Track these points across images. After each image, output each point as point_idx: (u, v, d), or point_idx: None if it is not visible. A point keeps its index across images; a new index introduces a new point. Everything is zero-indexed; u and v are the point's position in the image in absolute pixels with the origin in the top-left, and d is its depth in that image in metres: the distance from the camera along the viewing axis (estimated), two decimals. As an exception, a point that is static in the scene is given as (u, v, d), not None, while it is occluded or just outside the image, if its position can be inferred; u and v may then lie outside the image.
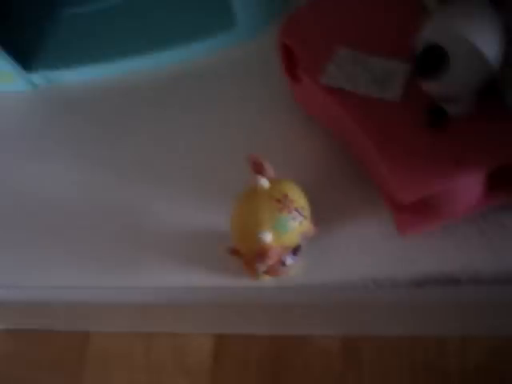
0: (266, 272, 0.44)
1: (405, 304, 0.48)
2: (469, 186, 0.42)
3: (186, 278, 0.50)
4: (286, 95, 0.54)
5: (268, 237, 0.41)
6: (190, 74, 0.61)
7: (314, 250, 0.46)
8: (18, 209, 0.57)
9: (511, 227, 0.45)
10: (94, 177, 0.57)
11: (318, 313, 0.55)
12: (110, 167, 0.57)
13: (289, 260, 0.44)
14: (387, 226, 0.46)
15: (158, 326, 0.67)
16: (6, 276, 0.54)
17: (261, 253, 0.41)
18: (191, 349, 0.69)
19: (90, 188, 0.57)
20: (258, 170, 0.42)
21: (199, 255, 0.49)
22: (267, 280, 0.46)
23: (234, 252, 0.45)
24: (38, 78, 0.66)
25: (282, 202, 0.41)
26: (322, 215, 0.46)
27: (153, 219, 0.53)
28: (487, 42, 0.37)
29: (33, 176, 0.60)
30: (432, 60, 0.37)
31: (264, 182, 0.42)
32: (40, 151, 0.62)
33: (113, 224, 0.54)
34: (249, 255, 0.43)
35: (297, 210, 0.42)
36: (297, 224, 0.42)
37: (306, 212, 0.43)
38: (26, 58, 0.66)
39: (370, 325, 0.59)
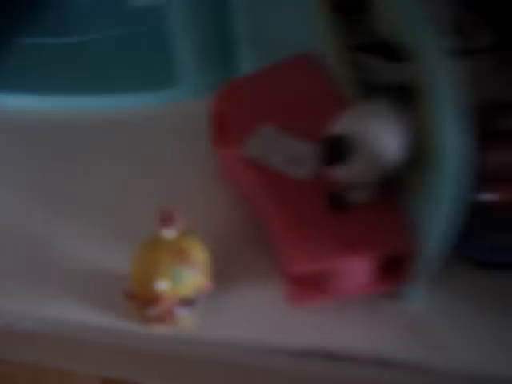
0: (158, 319, 0.46)
1: (283, 374, 0.51)
2: (356, 269, 0.45)
3: (79, 313, 0.50)
4: (209, 157, 0.57)
5: (162, 285, 0.43)
6: (126, 121, 0.63)
7: (208, 307, 0.48)
8: None
9: (392, 315, 0.48)
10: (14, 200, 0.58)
11: (203, 370, 0.57)
12: (30, 193, 0.58)
13: (180, 311, 0.45)
14: (281, 295, 0.48)
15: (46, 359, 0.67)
16: None
17: (153, 299, 0.43)
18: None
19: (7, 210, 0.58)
20: (167, 221, 0.45)
21: (96, 293, 0.50)
22: (157, 328, 0.47)
23: (130, 296, 0.46)
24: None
25: (182, 254, 0.43)
26: (221, 274, 0.48)
27: (59, 251, 0.54)
28: (386, 141, 0.41)
29: None
30: (335, 150, 0.41)
31: (168, 233, 0.44)
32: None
33: (17, 250, 0.55)
34: (143, 300, 0.44)
35: (194, 264, 0.44)
36: (192, 277, 0.44)
37: (205, 268, 0.45)
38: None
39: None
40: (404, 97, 0.45)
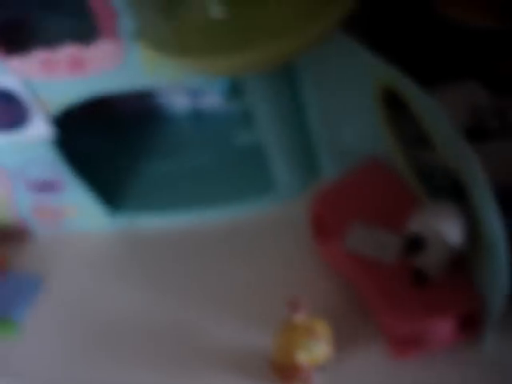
0: (297, 381, 0.61)
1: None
2: (441, 326, 0.60)
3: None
4: (312, 253, 0.73)
5: (301, 355, 0.59)
6: (237, 229, 0.80)
7: (331, 370, 0.63)
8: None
9: (475, 361, 0.62)
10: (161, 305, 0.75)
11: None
12: (182, 295, 0.75)
13: (316, 375, 0.61)
14: (386, 353, 0.63)
15: None
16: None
17: (295, 367, 0.59)
18: None
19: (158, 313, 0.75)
20: (294, 308, 0.61)
21: (248, 370, 0.66)
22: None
23: (275, 367, 0.62)
24: (120, 220, 0.86)
25: (311, 331, 0.59)
26: (339, 344, 0.63)
27: (209, 340, 0.70)
28: (452, 234, 0.57)
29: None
30: (414, 244, 0.57)
31: (299, 317, 0.60)
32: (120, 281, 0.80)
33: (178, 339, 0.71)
34: (287, 370, 0.60)
35: (321, 337, 0.59)
36: (321, 348, 0.60)
37: (328, 340, 0.61)
38: (111, 199, 0.85)
39: None
40: (458, 188, 0.61)
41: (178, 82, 0.70)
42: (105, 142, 0.94)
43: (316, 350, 0.60)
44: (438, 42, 0.79)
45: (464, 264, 0.61)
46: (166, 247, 0.82)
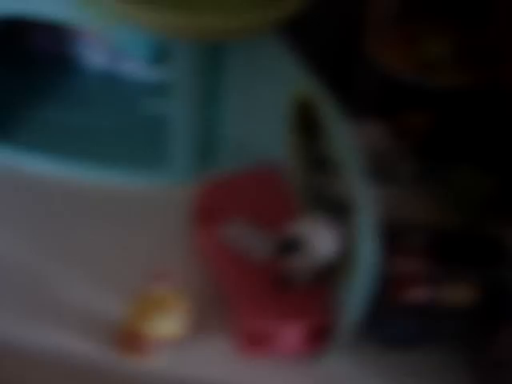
0: (141, 352, 0.60)
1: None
2: (290, 333, 0.61)
3: (72, 344, 0.64)
4: (188, 236, 0.73)
5: (147, 325, 0.58)
6: (120, 196, 0.78)
7: (179, 347, 0.62)
8: None
9: (313, 373, 0.64)
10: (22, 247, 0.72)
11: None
12: (39, 244, 0.73)
13: (159, 348, 0.60)
14: (234, 345, 0.63)
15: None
16: None
17: (140, 336, 0.58)
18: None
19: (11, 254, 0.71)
20: (157, 279, 0.60)
21: (89, 330, 0.64)
22: (139, 360, 0.61)
23: (123, 334, 0.61)
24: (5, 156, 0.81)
25: (165, 304, 0.59)
26: (192, 323, 0.63)
27: (60, 291, 0.68)
28: (325, 248, 0.59)
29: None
30: (288, 246, 0.58)
31: (158, 289, 0.60)
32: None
33: (23, 287, 0.69)
34: (133, 337, 0.59)
35: (175, 314, 0.59)
36: (171, 323, 0.59)
37: (182, 318, 0.61)
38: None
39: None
40: (341, 212, 0.63)
41: (104, 29, 0.68)
42: (11, 75, 0.89)
43: (166, 325, 0.59)
44: (360, 80, 0.83)
45: (328, 280, 0.63)
46: (45, 195, 0.79)
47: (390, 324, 0.64)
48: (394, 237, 0.66)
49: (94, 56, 0.94)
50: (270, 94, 0.74)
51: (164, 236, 0.74)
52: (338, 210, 0.63)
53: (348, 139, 0.59)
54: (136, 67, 0.91)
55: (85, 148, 0.83)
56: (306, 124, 0.70)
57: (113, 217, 0.77)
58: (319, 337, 0.63)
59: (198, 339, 0.64)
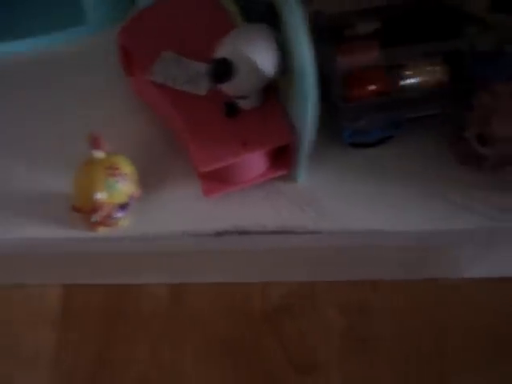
0: (100, 223, 0.57)
1: (210, 252, 0.63)
2: (253, 161, 0.57)
3: (35, 230, 0.60)
4: (123, 85, 0.66)
5: (99, 195, 0.53)
6: (47, 60, 0.70)
7: (140, 208, 0.59)
8: None
9: (287, 193, 0.61)
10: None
11: (145, 262, 0.69)
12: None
13: (117, 214, 0.56)
14: (197, 191, 0.60)
15: (6, 278, 0.77)
16: None
17: (95, 208, 0.54)
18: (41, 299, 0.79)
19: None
20: (96, 144, 0.55)
21: (50, 212, 0.60)
22: (101, 231, 0.58)
23: (76, 209, 0.57)
24: None
25: (112, 169, 0.54)
26: (147, 180, 0.59)
27: (7, 181, 0.63)
28: (262, 58, 0.52)
29: None
30: (221, 69, 0.51)
31: (99, 154, 0.54)
32: None
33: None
34: (87, 210, 0.55)
35: (123, 175, 0.54)
36: (123, 186, 0.55)
37: (133, 177, 0.56)
38: None
39: (192, 272, 0.74)
40: (274, 13, 0.56)
41: None
42: None
43: (118, 188, 0.55)
44: None
45: (276, 96, 0.58)
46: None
47: (353, 123, 0.59)
48: (339, 29, 0.60)
49: None
50: None
51: (101, 93, 0.67)
52: (268, 15, 0.55)
53: None
54: None
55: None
56: None
57: (43, 83, 0.69)
58: (282, 157, 0.58)
59: (161, 192, 0.60)
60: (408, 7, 0.61)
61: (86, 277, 0.77)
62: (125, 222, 0.59)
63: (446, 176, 0.61)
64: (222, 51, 0.52)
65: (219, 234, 0.59)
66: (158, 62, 0.59)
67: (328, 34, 0.58)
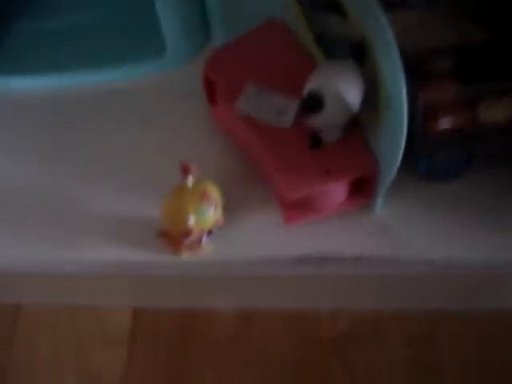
0: (187, 248, 0.59)
1: (282, 277, 0.65)
2: (335, 190, 0.59)
3: (119, 252, 0.63)
4: (206, 115, 0.69)
5: (192, 220, 0.56)
6: (127, 91, 0.74)
7: (221, 233, 0.61)
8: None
9: (365, 222, 0.63)
10: (41, 169, 0.70)
11: (218, 286, 0.70)
12: (55, 161, 0.70)
13: (205, 239, 0.59)
14: (278, 217, 0.62)
15: (82, 299, 0.79)
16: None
17: (186, 232, 0.56)
18: (112, 321, 0.81)
19: (38, 178, 0.69)
20: (186, 171, 0.57)
21: (134, 236, 0.63)
22: (185, 255, 0.61)
23: (163, 234, 0.59)
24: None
25: (202, 194, 0.56)
26: (230, 206, 0.61)
27: (95, 207, 0.66)
28: (350, 93, 0.54)
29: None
30: (313, 101, 0.54)
31: (189, 180, 0.57)
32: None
33: (56, 205, 0.67)
34: (176, 235, 0.57)
35: (213, 201, 0.57)
36: (213, 212, 0.57)
37: (219, 203, 0.58)
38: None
39: (262, 298, 0.75)
40: (359, 50, 0.58)
41: None
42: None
43: (207, 214, 0.57)
44: None
45: (358, 129, 0.60)
46: (45, 112, 0.75)
47: (431, 156, 0.61)
48: (418, 65, 0.62)
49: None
50: None
51: (181, 123, 0.70)
52: (354, 51, 0.58)
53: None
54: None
55: (75, 52, 0.77)
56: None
57: (125, 116, 0.73)
58: (363, 188, 0.60)
59: (238, 221, 0.63)
60: (485, 43, 0.63)
61: (157, 300, 0.79)
62: (208, 247, 0.61)
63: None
64: (312, 84, 0.55)
65: (300, 260, 0.61)
66: (243, 93, 0.62)
67: (408, 70, 0.61)
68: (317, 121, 0.57)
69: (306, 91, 0.55)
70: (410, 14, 0.68)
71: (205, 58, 0.67)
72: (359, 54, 0.57)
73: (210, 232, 0.59)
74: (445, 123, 0.60)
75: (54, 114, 0.75)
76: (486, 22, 0.66)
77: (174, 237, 0.58)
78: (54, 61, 0.77)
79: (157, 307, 0.80)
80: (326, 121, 0.56)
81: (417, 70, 0.62)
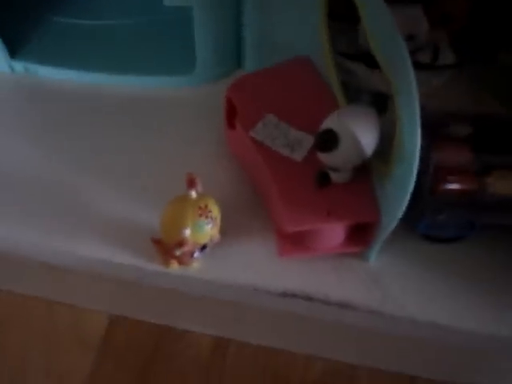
0: (177, 260, 0.59)
1: (271, 313, 0.64)
2: (334, 231, 0.59)
3: (111, 253, 0.63)
4: (220, 135, 0.70)
5: (187, 232, 0.56)
6: (148, 99, 0.75)
7: (213, 253, 0.61)
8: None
9: (356, 269, 0.63)
10: (51, 157, 0.70)
11: (197, 307, 0.70)
12: (68, 156, 0.71)
13: (196, 254, 0.59)
14: (272, 248, 0.62)
15: (62, 295, 0.79)
16: None
17: (179, 242, 0.56)
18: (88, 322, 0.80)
19: (47, 166, 0.70)
20: (191, 183, 0.57)
21: (127, 239, 0.63)
22: (173, 267, 0.60)
23: (156, 241, 0.59)
24: (19, 65, 0.79)
25: (203, 209, 0.57)
26: (226, 228, 0.61)
27: (97, 201, 0.66)
28: (366, 137, 0.55)
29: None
30: (327, 140, 0.55)
31: (193, 193, 0.57)
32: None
33: (60, 199, 0.67)
34: (170, 244, 0.57)
35: (212, 218, 0.57)
36: (210, 228, 0.57)
37: (218, 222, 0.58)
38: (13, 46, 0.79)
39: (241, 329, 0.74)
40: (381, 101, 0.59)
41: None
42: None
43: (204, 229, 0.57)
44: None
45: (368, 176, 0.60)
46: (64, 106, 0.76)
47: (433, 216, 0.61)
48: (435, 127, 0.63)
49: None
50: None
51: (194, 139, 0.71)
52: (375, 101, 0.59)
53: (388, 24, 0.54)
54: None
55: (104, 52, 0.79)
56: (338, 13, 0.65)
57: (143, 123, 0.74)
58: (362, 233, 0.60)
59: (235, 242, 0.63)
60: (503, 118, 0.64)
61: (136, 311, 0.78)
62: (197, 264, 0.61)
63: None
64: (330, 122, 0.56)
65: (285, 294, 0.61)
66: (261, 121, 0.63)
67: (425, 130, 0.62)
68: (329, 159, 0.57)
69: (322, 127, 0.56)
70: (438, 78, 0.69)
71: (230, 82, 0.68)
72: (380, 105, 0.58)
73: (203, 248, 0.59)
74: (452, 186, 0.60)
75: (72, 109, 0.76)
76: (506, 98, 0.68)
77: (166, 246, 0.58)
78: (84, 58, 0.79)
79: (134, 318, 0.79)
80: (338, 160, 0.57)
81: (434, 132, 0.63)
